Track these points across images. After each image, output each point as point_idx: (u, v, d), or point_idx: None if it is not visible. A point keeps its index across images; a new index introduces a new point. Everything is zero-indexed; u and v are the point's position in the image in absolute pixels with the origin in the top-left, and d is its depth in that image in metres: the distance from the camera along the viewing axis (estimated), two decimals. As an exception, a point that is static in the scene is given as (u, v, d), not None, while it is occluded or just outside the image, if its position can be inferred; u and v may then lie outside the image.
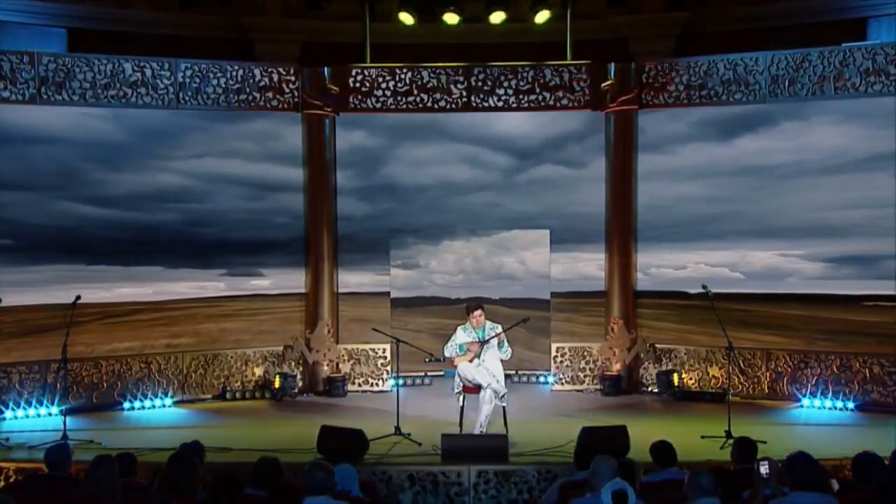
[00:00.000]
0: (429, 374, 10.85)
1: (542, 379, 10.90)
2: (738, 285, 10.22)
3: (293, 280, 10.80)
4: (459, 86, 10.65)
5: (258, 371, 10.51)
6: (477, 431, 8.00)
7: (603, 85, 10.46)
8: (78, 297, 8.63)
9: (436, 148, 11.01)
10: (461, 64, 10.72)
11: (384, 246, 10.98)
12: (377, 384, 10.67)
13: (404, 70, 10.67)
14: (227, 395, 10.26)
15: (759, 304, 10.04)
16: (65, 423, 8.17)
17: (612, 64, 10.51)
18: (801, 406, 9.59)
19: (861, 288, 9.66)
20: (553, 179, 10.88)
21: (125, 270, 10.09)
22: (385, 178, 11.00)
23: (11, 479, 7.16)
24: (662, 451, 5.99)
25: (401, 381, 9.53)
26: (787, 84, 9.81)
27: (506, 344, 8.33)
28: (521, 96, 10.63)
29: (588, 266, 10.91)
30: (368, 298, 10.98)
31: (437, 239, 11.21)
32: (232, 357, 10.44)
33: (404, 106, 10.66)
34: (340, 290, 10.90)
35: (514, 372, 10.68)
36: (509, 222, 11.03)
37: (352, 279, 10.98)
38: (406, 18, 11.10)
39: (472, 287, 11.13)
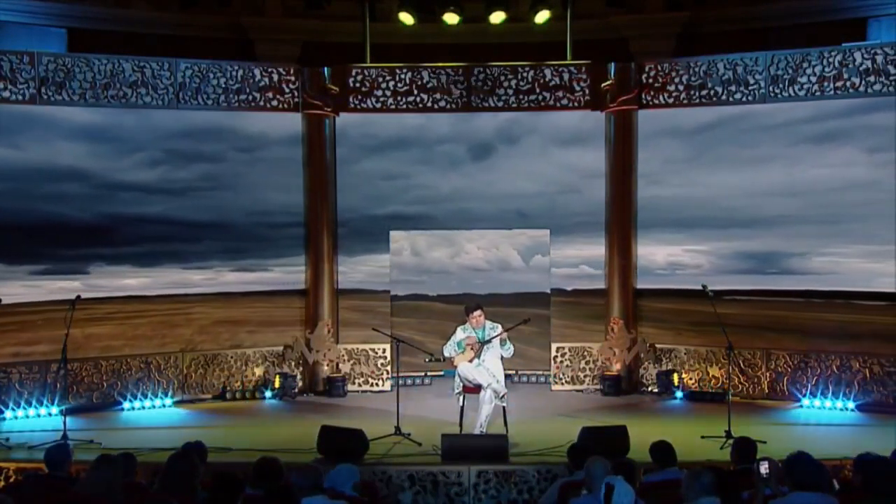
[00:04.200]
0: (429, 374, 10.86)
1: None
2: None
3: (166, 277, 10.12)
4: (459, 86, 10.65)
5: (258, 371, 10.51)
6: (477, 431, 8.00)
7: (603, 85, 10.46)
8: (78, 297, 8.61)
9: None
10: (461, 64, 10.72)
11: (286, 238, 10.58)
12: (377, 384, 10.66)
13: (404, 70, 10.67)
14: (227, 395, 10.25)
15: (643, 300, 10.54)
16: (65, 423, 8.16)
17: (612, 64, 10.51)
18: (801, 406, 9.59)
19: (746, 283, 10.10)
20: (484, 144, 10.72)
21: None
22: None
23: (11, 479, 7.16)
24: (662, 451, 5.99)
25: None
26: (786, 84, 9.81)
27: (508, 342, 8.34)
28: (521, 96, 10.62)
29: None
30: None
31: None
32: (232, 357, 10.44)
33: (404, 106, 10.65)
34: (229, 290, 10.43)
35: (514, 372, 10.70)
36: (421, 205, 10.77)
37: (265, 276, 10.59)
38: (406, 18, 11.09)
39: (408, 283, 11.04)
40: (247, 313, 10.51)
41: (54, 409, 9.18)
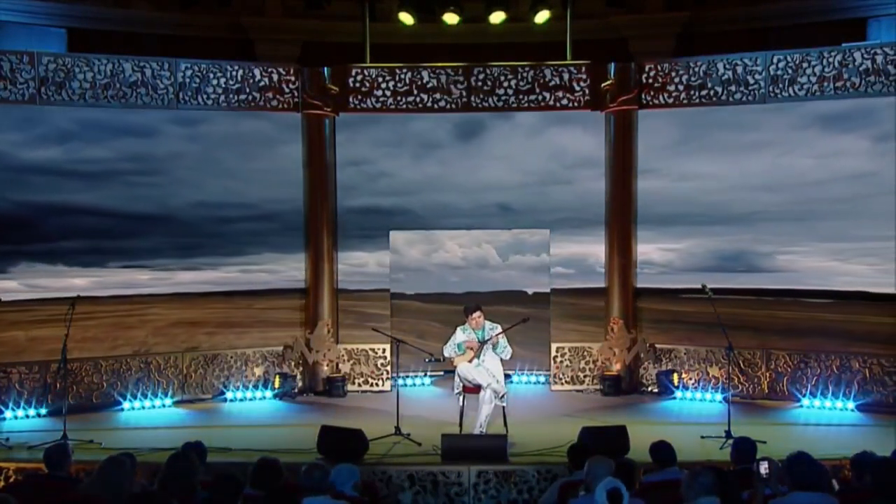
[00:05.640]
0: (429, 374, 10.87)
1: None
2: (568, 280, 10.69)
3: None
4: (459, 86, 10.65)
5: (258, 371, 10.50)
6: (477, 431, 8.00)
7: (603, 85, 10.45)
8: (77, 297, 8.60)
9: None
10: (461, 64, 10.72)
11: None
12: (377, 384, 10.66)
13: (404, 70, 10.66)
14: (227, 395, 10.25)
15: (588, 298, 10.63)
16: (65, 423, 8.15)
17: (612, 64, 10.51)
18: (801, 406, 9.58)
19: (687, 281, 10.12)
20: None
21: None
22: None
23: (11, 479, 7.16)
24: (662, 451, 5.99)
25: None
26: (786, 84, 9.81)
27: (501, 343, 8.31)
28: (520, 96, 10.62)
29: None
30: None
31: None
32: (232, 357, 10.42)
33: (404, 106, 10.65)
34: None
35: (513, 372, 10.71)
36: (394, 196, 10.56)
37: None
38: (406, 18, 11.10)
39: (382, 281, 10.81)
40: (205, 314, 10.16)
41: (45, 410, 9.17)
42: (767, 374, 10.00)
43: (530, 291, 10.93)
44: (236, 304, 10.33)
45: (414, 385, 10.81)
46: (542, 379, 10.85)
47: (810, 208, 9.68)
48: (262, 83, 10.44)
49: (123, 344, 9.80)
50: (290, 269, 10.56)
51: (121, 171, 9.65)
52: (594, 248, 10.63)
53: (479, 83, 10.64)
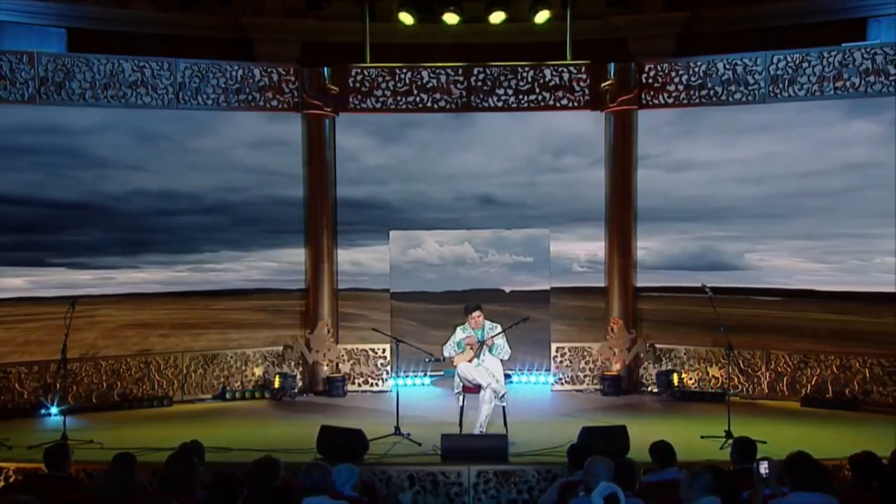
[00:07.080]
0: (429, 373, 10.86)
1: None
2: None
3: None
4: (459, 86, 10.65)
5: (258, 371, 10.51)
6: (477, 431, 7.99)
7: (603, 85, 10.46)
8: (77, 298, 8.58)
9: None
10: (461, 64, 10.72)
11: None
12: (377, 384, 10.66)
13: (404, 70, 10.67)
14: (227, 395, 10.25)
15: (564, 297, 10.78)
16: (64, 423, 8.15)
17: (612, 64, 10.51)
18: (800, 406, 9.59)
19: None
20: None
21: None
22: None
23: (11, 479, 7.16)
24: (662, 451, 5.99)
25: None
26: (786, 84, 9.81)
27: (497, 344, 8.28)
28: (520, 96, 10.62)
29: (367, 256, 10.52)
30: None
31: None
32: (232, 357, 10.43)
33: (404, 106, 10.65)
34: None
35: (513, 372, 10.71)
36: (367, 186, 10.39)
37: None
38: (406, 18, 11.10)
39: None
40: (158, 315, 9.97)
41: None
42: (767, 374, 10.01)
43: (507, 290, 10.91)
44: (195, 304, 10.15)
45: (414, 385, 10.81)
46: (550, 379, 10.76)
47: (799, 203, 9.68)
48: (261, 83, 10.44)
49: (71, 346, 9.13)
50: (247, 269, 10.38)
51: (20, 147, 8.69)
52: (572, 246, 10.65)
53: (479, 83, 10.64)
